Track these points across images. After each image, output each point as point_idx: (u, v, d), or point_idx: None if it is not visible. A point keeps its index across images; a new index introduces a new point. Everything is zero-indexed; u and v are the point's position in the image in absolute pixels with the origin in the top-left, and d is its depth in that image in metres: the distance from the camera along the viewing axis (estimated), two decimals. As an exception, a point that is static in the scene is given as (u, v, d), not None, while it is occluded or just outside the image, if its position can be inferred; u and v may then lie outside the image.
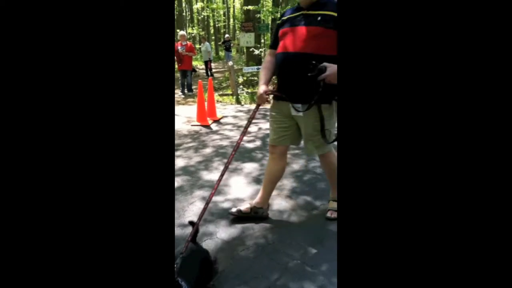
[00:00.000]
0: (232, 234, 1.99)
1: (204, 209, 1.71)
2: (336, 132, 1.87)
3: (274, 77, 2.00)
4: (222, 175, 1.82)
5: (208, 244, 1.88)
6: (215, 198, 2.46)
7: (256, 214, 2.12)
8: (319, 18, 1.72)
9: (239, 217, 2.14)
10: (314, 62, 1.64)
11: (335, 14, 1.69)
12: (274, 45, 1.96)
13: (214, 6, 23.19)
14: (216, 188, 1.79)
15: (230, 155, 1.86)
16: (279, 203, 2.37)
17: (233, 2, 28.06)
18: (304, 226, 2.06)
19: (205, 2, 22.75)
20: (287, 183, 2.72)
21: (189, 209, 2.30)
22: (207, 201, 1.75)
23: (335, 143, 1.89)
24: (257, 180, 2.78)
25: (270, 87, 1.95)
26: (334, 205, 2.14)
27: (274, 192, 2.52)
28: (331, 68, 1.61)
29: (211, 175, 2.92)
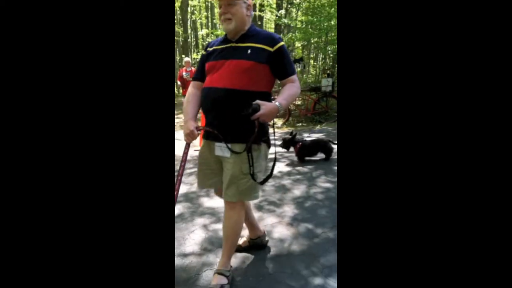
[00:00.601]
0: (233, 264, 1.96)
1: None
2: (262, 175, 1.73)
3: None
4: (177, 186, 1.60)
5: (208, 275, 1.86)
6: (215, 226, 2.45)
7: (255, 244, 2.10)
8: (248, 51, 1.60)
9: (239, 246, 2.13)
10: (249, 101, 1.52)
11: (266, 47, 1.60)
12: (199, 77, 1.79)
13: (219, 32, 23.77)
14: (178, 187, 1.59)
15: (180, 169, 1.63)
16: (280, 231, 2.35)
17: (237, 28, 28.73)
18: (305, 255, 2.03)
19: (209, 29, 23.37)
20: (288, 210, 2.70)
21: (189, 238, 2.28)
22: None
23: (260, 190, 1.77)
24: (258, 207, 2.77)
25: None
26: (219, 280, 1.74)
27: (275, 220, 2.51)
28: (266, 107, 1.50)
29: (212, 202, 2.91)
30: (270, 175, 1.72)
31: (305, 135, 5.91)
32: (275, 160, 1.80)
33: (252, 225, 2.07)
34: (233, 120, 1.60)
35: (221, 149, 1.69)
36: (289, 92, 1.63)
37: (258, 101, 1.51)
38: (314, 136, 4.23)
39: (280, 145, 4.18)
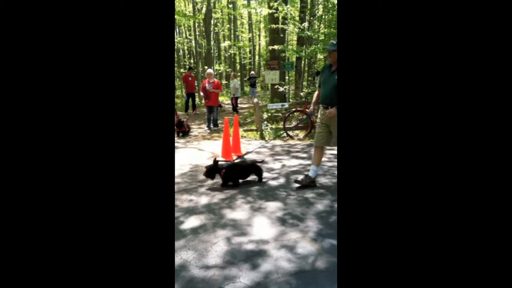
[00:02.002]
0: (255, 278, 1.93)
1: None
2: None
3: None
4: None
5: (230, 289, 1.83)
6: (238, 239, 2.42)
7: None
8: None
9: (263, 260, 2.09)
10: None
11: None
12: None
13: (241, 44, 24.12)
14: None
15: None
16: (304, 246, 2.30)
17: (259, 40, 29.12)
18: (330, 272, 1.98)
19: (232, 41, 23.73)
20: (312, 224, 2.65)
21: (212, 250, 2.27)
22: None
23: None
24: (281, 220, 2.73)
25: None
26: None
27: (299, 235, 2.46)
28: None
29: (234, 214, 2.90)
30: None
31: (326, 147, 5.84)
32: None
33: None
34: None
35: None
36: None
37: None
38: (239, 160, 3.97)
39: (203, 174, 3.84)
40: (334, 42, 3.31)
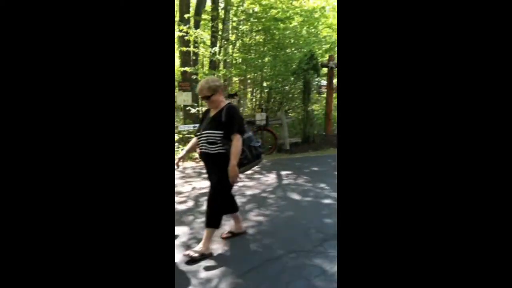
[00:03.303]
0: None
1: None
2: None
3: None
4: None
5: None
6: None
7: None
8: None
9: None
10: None
11: None
12: None
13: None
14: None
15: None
16: (208, 269, 2.24)
17: (173, 62, 28.85)
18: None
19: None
20: (217, 247, 2.61)
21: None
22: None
23: None
24: (186, 246, 2.63)
25: None
26: None
27: (203, 259, 2.39)
28: None
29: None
30: None
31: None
32: None
33: None
34: None
35: None
36: None
37: None
38: None
39: None
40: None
